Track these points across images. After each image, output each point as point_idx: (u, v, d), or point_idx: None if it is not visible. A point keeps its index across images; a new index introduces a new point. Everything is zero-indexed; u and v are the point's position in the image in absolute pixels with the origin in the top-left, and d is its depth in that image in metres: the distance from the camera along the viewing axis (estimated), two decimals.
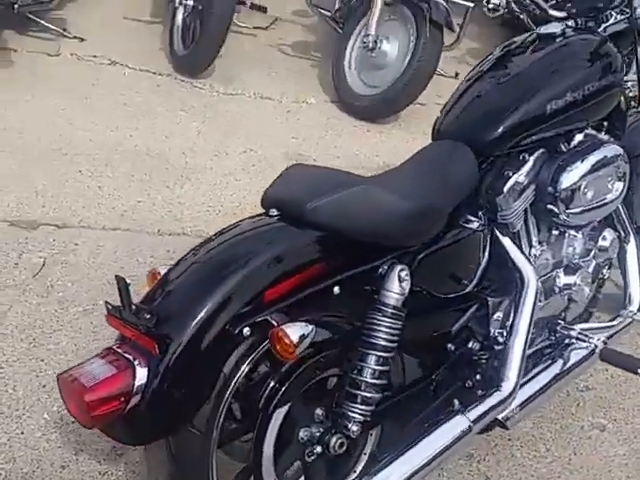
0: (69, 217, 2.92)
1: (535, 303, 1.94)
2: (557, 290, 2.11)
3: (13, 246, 2.72)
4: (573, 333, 2.08)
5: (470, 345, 1.93)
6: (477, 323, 1.95)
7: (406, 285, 1.63)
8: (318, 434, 1.64)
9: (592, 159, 2.02)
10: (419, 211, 1.66)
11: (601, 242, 2.21)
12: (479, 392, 1.86)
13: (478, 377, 1.91)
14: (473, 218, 1.88)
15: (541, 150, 1.98)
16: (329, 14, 4.19)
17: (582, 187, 1.98)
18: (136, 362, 1.39)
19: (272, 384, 1.55)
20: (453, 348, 1.90)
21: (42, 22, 4.30)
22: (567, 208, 1.98)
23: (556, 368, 2.04)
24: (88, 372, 1.37)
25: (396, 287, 1.62)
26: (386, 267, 1.63)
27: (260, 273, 1.48)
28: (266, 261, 1.49)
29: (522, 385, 1.94)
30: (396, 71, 3.75)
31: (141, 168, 3.23)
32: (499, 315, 1.96)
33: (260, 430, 1.55)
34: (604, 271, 2.30)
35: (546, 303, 2.08)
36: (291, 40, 4.65)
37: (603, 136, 2.14)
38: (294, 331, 1.42)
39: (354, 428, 1.62)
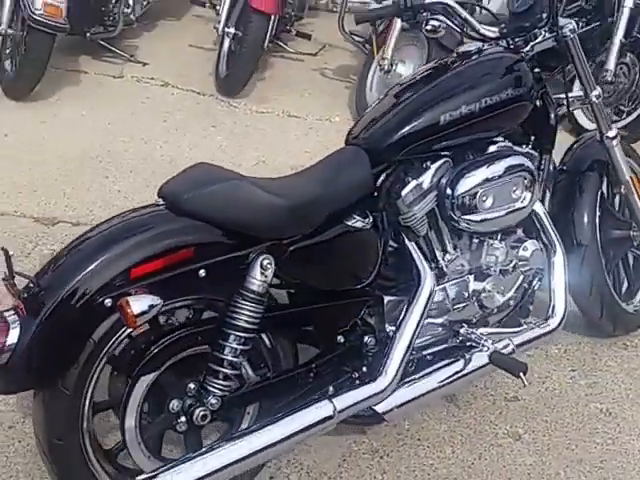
0: (85, 216, 3.29)
1: (427, 305, 2.09)
2: (466, 295, 2.23)
3: (31, 238, 3.12)
4: (472, 337, 2.17)
5: (361, 339, 2.09)
6: (370, 318, 2.11)
7: (269, 273, 1.82)
8: (185, 406, 1.85)
9: (492, 168, 2.13)
10: (286, 207, 1.84)
11: (522, 252, 2.30)
12: (357, 383, 2.02)
13: (364, 369, 2.07)
14: (360, 218, 2.01)
15: (444, 159, 2.12)
16: (362, 40, 4.42)
17: (479, 195, 2.10)
18: (12, 324, 1.65)
19: (135, 353, 1.80)
20: (342, 340, 2.06)
21: (112, 48, 4.81)
22: (463, 214, 2.10)
23: (448, 370, 2.15)
24: None
25: (258, 274, 1.82)
26: (253, 256, 1.83)
27: (129, 252, 1.70)
28: (138, 242, 1.72)
29: (409, 382, 2.09)
30: None
31: (159, 175, 3.54)
32: (391, 313, 2.10)
33: (125, 396, 1.79)
34: (534, 281, 2.38)
35: (454, 306, 2.21)
36: (334, 65, 4.94)
37: (512, 147, 2.24)
38: (137, 303, 1.64)
39: (213, 401, 1.83)
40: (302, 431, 1.88)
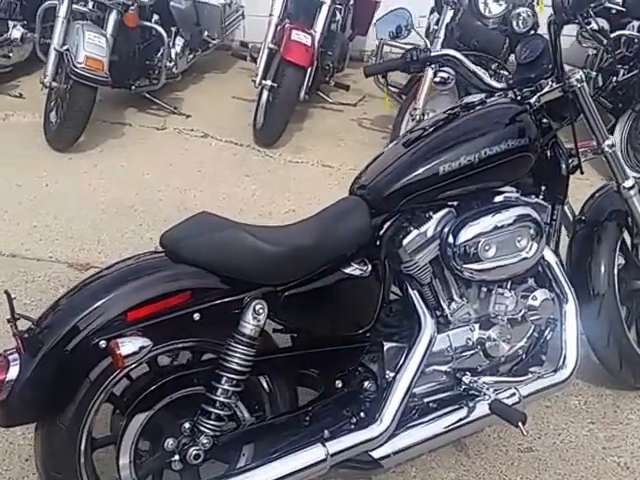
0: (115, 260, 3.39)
1: (426, 352, 2.09)
2: (471, 343, 2.22)
3: (63, 283, 3.24)
4: (475, 385, 2.15)
5: (360, 384, 2.10)
6: (370, 364, 2.12)
7: (262, 318, 1.87)
8: (180, 445, 1.89)
9: (496, 218, 2.14)
10: (277, 255, 1.89)
11: (531, 302, 2.29)
12: (352, 428, 2.03)
13: (362, 415, 2.08)
14: (359, 266, 2.03)
15: (448, 209, 2.14)
16: (397, 90, 4.49)
17: (481, 244, 2.10)
18: (12, 362, 1.74)
19: (132, 392, 1.86)
20: (341, 385, 2.08)
21: (157, 101, 5.00)
22: (465, 263, 2.10)
23: (448, 418, 2.14)
24: None
25: (250, 319, 1.87)
26: (247, 301, 1.88)
27: (126, 296, 1.79)
28: (136, 287, 1.81)
29: (408, 429, 2.09)
30: None
31: None
32: (392, 359, 2.11)
33: (120, 434, 1.86)
34: (546, 331, 2.36)
35: (458, 354, 2.20)
36: (373, 115, 5.02)
37: (519, 197, 2.24)
38: (126, 345, 1.71)
39: (204, 441, 1.88)
40: (294, 473, 1.90)
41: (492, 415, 2.12)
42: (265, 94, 4.58)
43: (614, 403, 2.68)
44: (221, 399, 1.88)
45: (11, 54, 5.13)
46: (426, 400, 2.19)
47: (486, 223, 2.13)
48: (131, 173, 4.23)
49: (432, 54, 2.28)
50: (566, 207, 2.63)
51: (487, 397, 2.12)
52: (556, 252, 2.42)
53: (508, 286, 2.28)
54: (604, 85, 4.53)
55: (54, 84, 4.28)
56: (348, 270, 2.03)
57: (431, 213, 2.14)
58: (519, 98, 2.29)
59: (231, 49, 5.84)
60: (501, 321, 2.25)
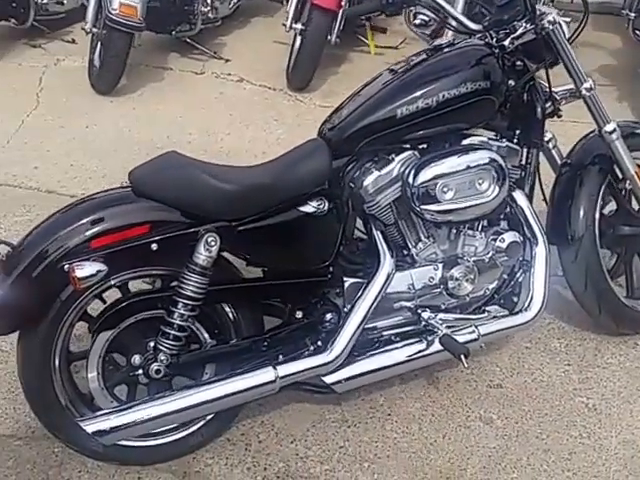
0: None
1: (383, 288, 2.21)
2: (433, 282, 2.30)
3: None
4: (431, 321, 2.24)
5: (320, 316, 2.23)
6: (330, 297, 2.25)
7: (213, 249, 2.01)
8: (144, 361, 2.09)
9: (456, 161, 2.19)
10: (230, 192, 2.02)
11: (499, 244, 2.34)
12: (307, 354, 2.17)
13: (318, 343, 2.21)
14: (315, 205, 2.13)
15: (410, 151, 2.22)
16: (428, 33, 4.46)
17: (439, 186, 2.17)
18: None
19: (100, 313, 2.07)
20: (301, 315, 2.22)
21: (198, 46, 5.15)
22: (423, 204, 2.18)
23: (403, 351, 2.26)
24: None
25: (202, 250, 2.01)
26: (201, 234, 2.02)
27: (91, 225, 1.96)
28: (100, 217, 1.97)
29: (361, 358, 2.22)
30: None
31: None
32: (351, 294, 2.22)
33: (89, 349, 2.07)
34: (517, 273, 2.42)
35: (420, 292, 2.30)
36: None
37: (486, 141, 2.29)
38: (83, 268, 1.88)
39: (162, 358, 2.06)
40: (243, 391, 2.07)
41: (445, 351, 2.22)
42: (299, 38, 4.65)
43: (596, 347, 2.73)
44: (178, 322, 2.05)
45: (65, 1, 5.33)
46: (387, 333, 2.31)
47: (446, 165, 2.19)
48: (166, 115, 4.42)
49: None
50: (554, 151, 2.66)
51: (440, 332, 2.21)
52: (530, 196, 2.45)
53: (478, 228, 2.35)
54: None
55: (94, 30, 4.49)
56: (304, 208, 2.14)
57: (393, 155, 2.21)
58: (494, 40, 2.31)
59: None
60: (466, 261, 2.31)
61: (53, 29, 5.44)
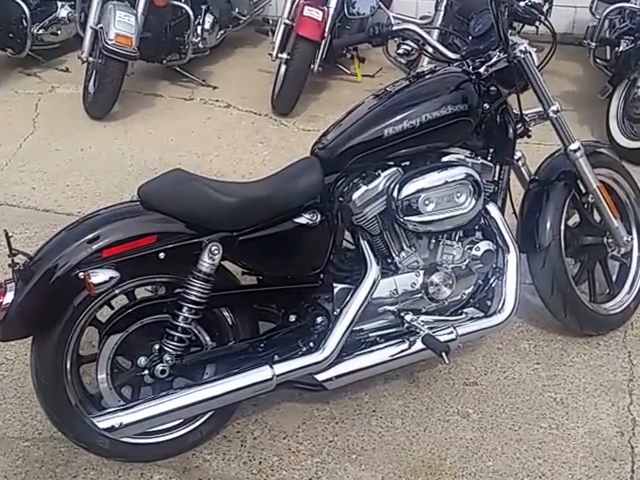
0: None
1: (369, 292, 2.42)
2: (415, 288, 2.52)
3: None
4: (414, 323, 2.46)
5: (312, 319, 2.43)
6: (321, 302, 2.45)
7: (216, 258, 2.21)
8: (150, 362, 2.28)
9: (436, 176, 2.42)
10: (232, 205, 2.23)
11: (474, 252, 2.57)
12: (300, 354, 2.37)
13: (311, 344, 2.41)
14: (309, 217, 2.34)
15: (395, 168, 2.44)
16: (405, 62, 4.74)
17: (421, 199, 2.39)
18: (9, 289, 2.12)
19: (109, 318, 2.26)
20: (294, 319, 2.43)
21: (186, 74, 5.39)
22: (406, 216, 2.40)
23: (388, 350, 2.47)
24: None
25: (206, 258, 2.21)
26: (205, 243, 2.22)
27: (102, 237, 2.15)
28: (111, 229, 2.17)
29: (350, 357, 2.44)
30: None
31: None
32: (340, 298, 2.43)
33: (99, 352, 2.26)
34: (491, 279, 2.65)
35: (403, 297, 2.51)
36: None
37: (463, 159, 2.52)
38: (97, 275, 2.08)
39: (167, 358, 2.25)
40: (243, 389, 2.27)
41: (427, 350, 2.44)
42: (283, 67, 4.89)
43: (562, 347, 2.95)
44: (182, 325, 2.25)
45: (59, 32, 5.57)
46: (373, 335, 2.52)
47: (427, 180, 2.41)
48: (157, 139, 4.64)
49: (393, 28, 2.54)
50: (523, 168, 2.90)
51: (423, 332, 2.43)
52: (502, 208, 2.69)
53: (456, 238, 2.58)
54: (605, 56, 4.70)
55: (90, 59, 4.73)
56: (298, 220, 2.35)
57: (379, 171, 2.44)
58: (471, 68, 2.55)
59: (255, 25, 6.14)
60: (445, 268, 2.54)
61: (47, 58, 5.67)
